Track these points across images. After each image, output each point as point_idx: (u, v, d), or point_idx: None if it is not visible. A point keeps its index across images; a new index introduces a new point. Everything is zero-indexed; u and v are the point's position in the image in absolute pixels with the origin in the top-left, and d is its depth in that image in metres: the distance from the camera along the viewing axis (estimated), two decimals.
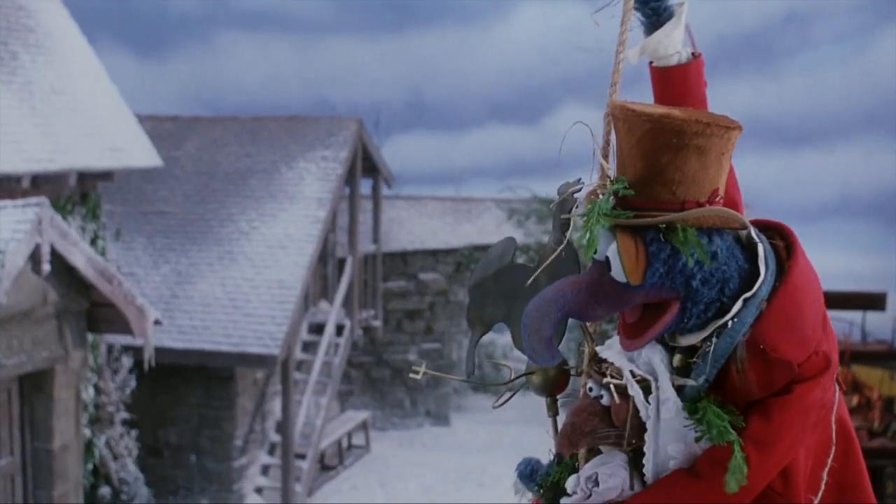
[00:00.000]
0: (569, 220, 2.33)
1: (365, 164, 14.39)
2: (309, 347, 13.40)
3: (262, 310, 11.82)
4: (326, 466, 14.16)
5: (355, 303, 14.10)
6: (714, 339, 2.14)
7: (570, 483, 2.32)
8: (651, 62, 2.31)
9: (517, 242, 2.59)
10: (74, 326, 8.64)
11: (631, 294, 2.10)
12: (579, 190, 2.30)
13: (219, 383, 12.10)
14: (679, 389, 2.19)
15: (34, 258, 7.72)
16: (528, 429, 16.01)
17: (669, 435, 2.18)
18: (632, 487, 2.25)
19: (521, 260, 2.62)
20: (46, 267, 7.78)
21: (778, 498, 2.22)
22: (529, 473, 2.49)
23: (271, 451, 12.85)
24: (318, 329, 13.56)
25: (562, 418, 2.47)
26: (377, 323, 15.10)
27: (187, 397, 12.23)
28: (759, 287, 2.18)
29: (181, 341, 11.73)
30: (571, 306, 2.12)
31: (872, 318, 9.43)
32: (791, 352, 2.16)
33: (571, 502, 2.30)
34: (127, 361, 10.95)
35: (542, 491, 2.47)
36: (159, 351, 11.60)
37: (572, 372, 2.46)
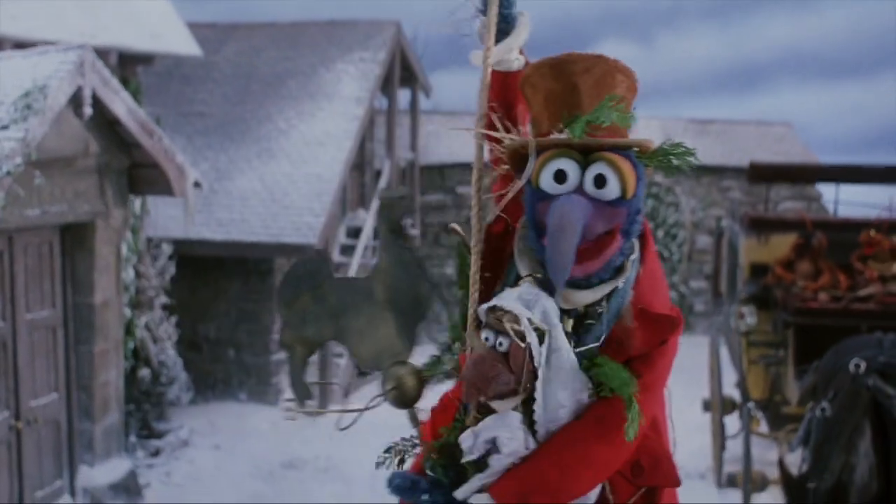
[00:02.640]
0: (401, 227, 2.42)
1: (403, 74, 14.35)
2: (346, 251, 13.40)
3: (300, 202, 11.83)
4: (363, 372, 14.17)
5: None
6: (605, 302, 2.28)
7: (465, 440, 2.30)
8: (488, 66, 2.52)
9: (332, 262, 2.62)
10: (115, 183, 8.69)
11: (614, 211, 2.24)
12: (404, 198, 2.44)
13: (258, 277, 12.14)
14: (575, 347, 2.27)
15: (76, 101, 7.76)
16: None
17: (559, 384, 2.23)
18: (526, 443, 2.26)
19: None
20: (88, 110, 7.80)
21: (650, 442, 2.37)
22: (410, 485, 2.40)
23: None
24: (355, 233, 13.57)
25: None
26: (415, 232, 15.08)
27: (226, 291, 12.29)
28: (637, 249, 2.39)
29: (220, 233, 11.77)
30: (587, 225, 2.22)
31: None
32: (662, 308, 2.35)
33: (484, 479, 2.27)
34: (167, 248, 11.02)
35: (435, 459, 2.40)
36: (199, 244, 11.68)
37: (447, 362, 2.50)
